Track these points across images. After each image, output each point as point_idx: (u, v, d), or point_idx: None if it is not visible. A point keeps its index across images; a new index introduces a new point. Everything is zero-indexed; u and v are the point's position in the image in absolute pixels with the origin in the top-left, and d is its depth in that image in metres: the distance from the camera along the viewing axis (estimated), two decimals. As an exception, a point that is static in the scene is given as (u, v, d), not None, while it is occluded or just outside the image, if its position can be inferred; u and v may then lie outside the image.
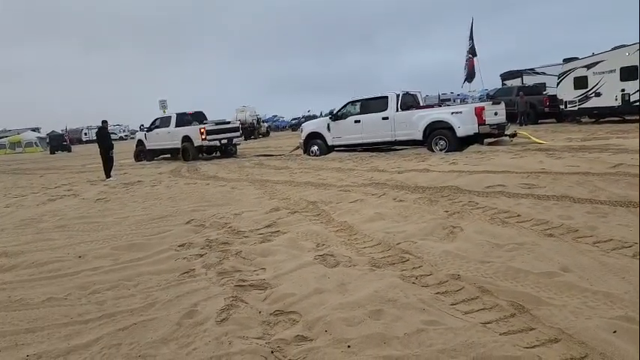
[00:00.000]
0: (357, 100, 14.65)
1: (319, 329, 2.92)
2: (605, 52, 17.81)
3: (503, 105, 13.59)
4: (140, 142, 20.57)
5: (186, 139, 18.03)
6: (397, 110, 13.54)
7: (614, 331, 2.59)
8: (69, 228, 6.72)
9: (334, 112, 15.44)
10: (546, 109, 21.39)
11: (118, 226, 6.59)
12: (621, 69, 16.83)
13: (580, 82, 18.48)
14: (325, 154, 14.91)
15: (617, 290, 3.09)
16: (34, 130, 63.04)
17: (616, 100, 17.12)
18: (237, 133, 19.07)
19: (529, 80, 25.25)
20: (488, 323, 2.82)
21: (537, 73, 25.35)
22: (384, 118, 13.67)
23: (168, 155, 19.94)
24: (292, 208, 6.76)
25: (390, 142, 13.85)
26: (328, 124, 14.99)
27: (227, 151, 18.64)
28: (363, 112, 14.30)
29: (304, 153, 15.72)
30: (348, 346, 2.68)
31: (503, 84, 27.84)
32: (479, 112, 12.24)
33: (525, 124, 21.06)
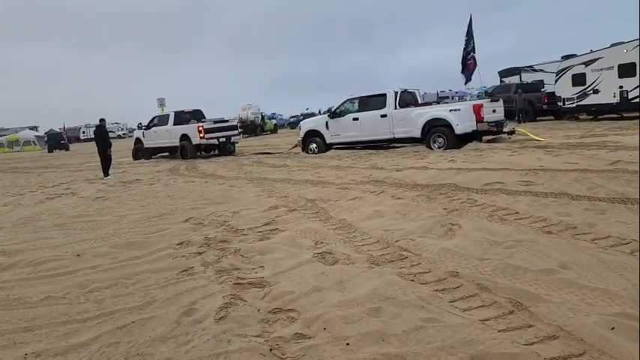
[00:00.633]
0: (356, 98, 14.64)
1: (318, 327, 2.92)
2: (603, 49, 17.81)
3: (501, 102, 13.60)
4: (138, 141, 20.54)
5: (185, 137, 18.01)
6: (395, 108, 13.55)
7: (613, 328, 2.59)
8: (67, 226, 6.71)
9: (333, 109, 15.43)
10: (544, 107, 21.41)
11: (117, 224, 6.58)
12: (619, 66, 16.84)
13: (578, 80, 18.50)
14: (324, 152, 14.90)
15: (616, 287, 3.10)
16: (32, 128, 62.95)
17: (614, 97, 17.14)
18: (236, 132, 19.06)
19: (527, 77, 25.27)
20: (487, 320, 2.82)
21: (535, 71, 25.38)
22: (382, 116, 13.66)
23: (167, 153, 19.92)
24: (291, 205, 6.76)
25: (389, 139, 13.86)
26: (327, 122, 14.99)
27: (225, 149, 18.62)
28: (361, 109, 14.30)
29: (303, 151, 15.72)
30: (347, 344, 2.68)
31: (501, 81, 27.86)
32: (477, 110, 12.24)
33: (523, 122, 21.07)
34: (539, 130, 15.67)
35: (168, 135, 18.70)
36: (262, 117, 39.80)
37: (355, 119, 14.27)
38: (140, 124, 20.84)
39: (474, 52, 22.60)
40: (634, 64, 16.20)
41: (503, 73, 28.08)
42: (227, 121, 19.80)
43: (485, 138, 12.96)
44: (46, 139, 47.50)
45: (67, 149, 42.10)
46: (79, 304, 3.71)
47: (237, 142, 19.28)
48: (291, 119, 51.65)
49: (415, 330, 2.76)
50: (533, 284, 3.28)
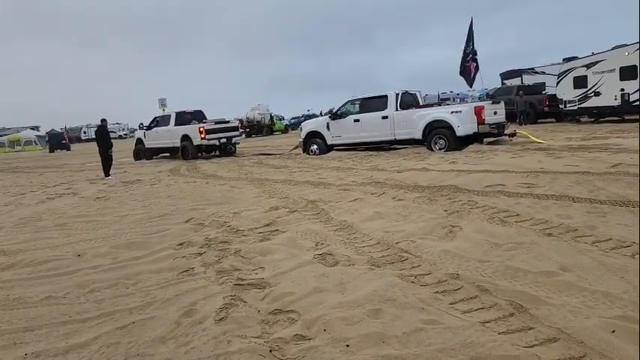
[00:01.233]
0: (357, 100, 14.65)
1: (318, 328, 2.91)
2: (604, 52, 17.79)
3: (502, 104, 13.59)
4: (139, 141, 20.57)
5: (186, 137, 18.03)
6: (397, 109, 13.55)
7: (613, 331, 2.59)
8: (68, 226, 6.71)
9: (334, 111, 15.44)
10: (546, 109, 21.39)
11: (117, 224, 6.58)
12: (621, 68, 16.81)
13: (580, 82, 18.48)
14: (325, 153, 14.90)
15: (616, 290, 3.09)
16: (33, 128, 63.05)
17: (615, 99, 17.11)
18: (237, 133, 19.10)
19: (529, 80, 25.26)
20: (487, 322, 2.82)
21: (537, 73, 25.37)
22: (383, 118, 13.66)
23: (168, 154, 19.93)
24: (291, 207, 6.76)
25: (390, 141, 13.86)
26: (328, 123, 14.99)
27: (226, 150, 18.65)
28: (362, 111, 14.30)
29: (304, 152, 15.72)
30: (347, 346, 2.68)
31: (502, 83, 27.86)
32: (478, 112, 12.24)
33: (525, 124, 21.07)
34: (541, 133, 15.66)
35: (170, 135, 18.72)
36: (271, 117, 39.89)
37: (356, 121, 14.28)
38: (141, 124, 20.85)
39: (476, 55, 22.56)
40: (635, 66, 16.18)
41: (505, 75, 28.09)
42: (228, 121, 19.84)
43: (486, 140, 12.96)
44: (47, 139, 47.56)
45: (69, 149, 42.17)
46: (79, 304, 3.71)
47: (238, 143, 19.31)
48: (292, 120, 51.61)
49: (415, 332, 2.76)
50: (533, 286, 3.27)
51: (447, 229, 4.85)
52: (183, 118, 18.84)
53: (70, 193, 10.50)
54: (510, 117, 16.62)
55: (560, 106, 19.62)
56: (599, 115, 18.67)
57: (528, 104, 21.76)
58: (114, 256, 4.99)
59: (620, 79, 16.88)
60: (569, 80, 18.97)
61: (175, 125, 18.61)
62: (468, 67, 22.55)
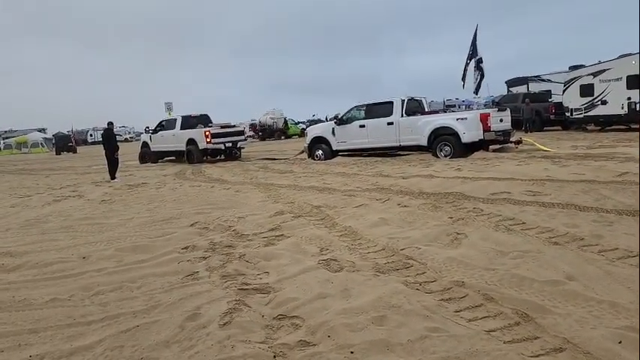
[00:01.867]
0: (362, 105, 14.67)
1: (322, 334, 2.91)
2: (611, 60, 17.75)
3: (508, 112, 13.58)
4: (145, 144, 20.65)
5: (191, 141, 18.10)
6: (402, 116, 13.55)
7: (620, 341, 2.57)
8: (73, 229, 6.74)
9: (339, 116, 15.47)
10: (552, 117, 21.32)
11: (123, 227, 6.61)
12: (627, 77, 16.76)
13: (586, 90, 18.42)
14: (330, 159, 14.90)
15: (623, 300, 3.07)
16: (40, 130, 63.44)
17: (622, 108, 17.04)
18: (242, 137, 19.18)
19: (535, 87, 25.20)
20: (493, 331, 2.80)
21: (543, 80, 25.30)
22: (389, 124, 13.67)
23: (173, 157, 20.00)
24: (296, 212, 6.76)
25: (395, 147, 13.86)
26: (333, 129, 15.01)
27: (231, 154, 18.70)
28: (368, 117, 14.31)
29: (309, 157, 15.73)
30: (352, 352, 2.67)
31: (508, 91, 27.81)
32: (484, 119, 12.23)
33: (531, 131, 20.99)
34: (547, 140, 15.60)
35: (175, 139, 18.79)
36: (285, 121, 40.18)
37: (362, 126, 14.28)
38: (147, 127, 20.95)
39: (481, 63, 22.51)
40: None
41: (511, 83, 28.04)
42: (234, 126, 19.90)
43: (491, 147, 12.93)
44: (53, 141, 47.88)
45: (75, 152, 42.38)
46: (83, 307, 3.72)
47: (243, 148, 19.37)
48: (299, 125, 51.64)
49: (420, 339, 2.74)
50: (539, 295, 3.25)
51: (452, 237, 4.84)
52: (189, 121, 18.92)
53: (75, 196, 10.55)
54: (516, 124, 16.56)
55: (567, 114, 19.56)
56: (606, 123, 18.60)
57: (534, 112, 21.70)
58: (119, 259, 5.01)
59: (627, 88, 16.82)
60: (575, 88, 18.92)
61: (181, 129, 18.68)
62: (467, 71, 22.51)
